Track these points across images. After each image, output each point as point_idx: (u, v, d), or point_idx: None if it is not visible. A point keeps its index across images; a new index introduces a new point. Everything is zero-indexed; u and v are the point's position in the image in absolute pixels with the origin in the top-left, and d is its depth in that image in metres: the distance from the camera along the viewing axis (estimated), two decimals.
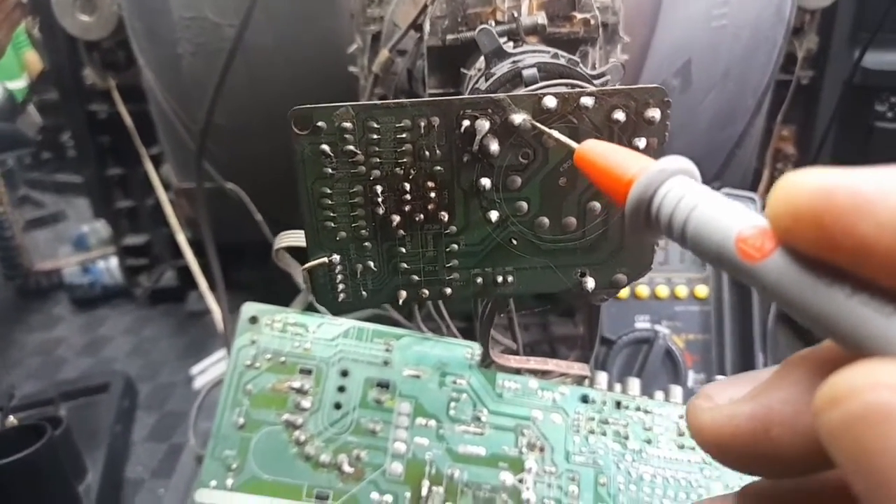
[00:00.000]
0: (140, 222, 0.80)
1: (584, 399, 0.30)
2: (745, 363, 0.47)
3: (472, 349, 0.30)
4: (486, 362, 0.30)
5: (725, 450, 0.12)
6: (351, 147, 0.19)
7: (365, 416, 0.29)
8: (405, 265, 0.21)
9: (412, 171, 0.20)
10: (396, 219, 0.20)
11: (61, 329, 0.81)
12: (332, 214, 0.20)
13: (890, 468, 0.08)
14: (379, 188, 0.20)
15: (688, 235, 0.13)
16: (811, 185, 0.10)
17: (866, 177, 0.10)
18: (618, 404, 0.30)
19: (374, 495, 0.28)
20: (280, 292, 0.40)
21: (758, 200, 0.49)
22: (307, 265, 0.21)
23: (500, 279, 0.22)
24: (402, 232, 0.21)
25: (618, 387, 0.31)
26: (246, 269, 0.62)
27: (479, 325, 0.27)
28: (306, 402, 0.30)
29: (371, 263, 0.21)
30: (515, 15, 0.27)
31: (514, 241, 0.21)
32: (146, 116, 0.66)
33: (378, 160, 0.20)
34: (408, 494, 0.28)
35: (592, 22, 0.28)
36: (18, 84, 1.27)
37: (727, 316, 0.48)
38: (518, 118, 0.19)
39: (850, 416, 0.09)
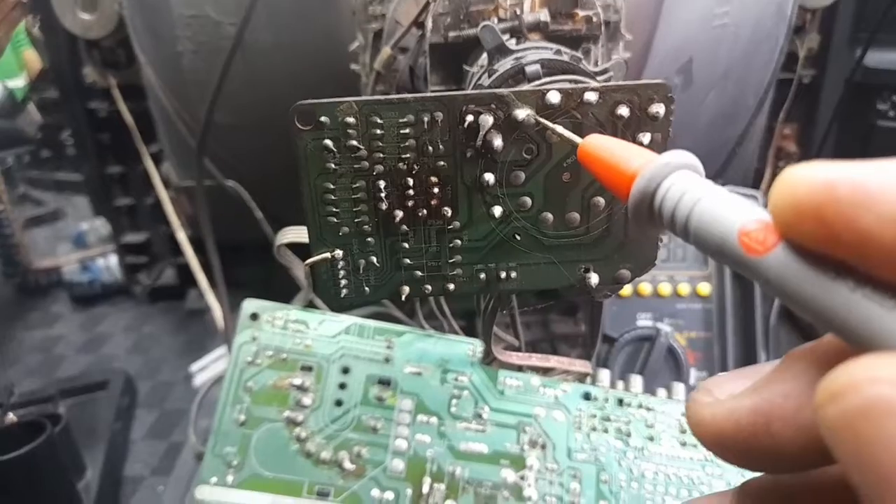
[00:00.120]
0: (140, 220, 0.80)
1: (586, 396, 0.30)
2: (748, 361, 0.47)
3: (474, 346, 0.30)
4: (488, 359, 0.30)
5: (726, 445, 0.12)
6: (354, 142, 0.19)
7: (366, 413, 0.29)
8: (408, 261, 0.21)
9: (415, 167, 0.20)
10: (399, 214, 0.20)
11: (61, 327, 0.81)
12: (334, 210, 0.20)
13: (890, 463, 0.08)
14: (382, 183, 0.20)
15: (691, 230, 0.13)
16: (813, 179, 0.10)
17: (868, 170, 0.10)
18: (620, 402, 0.30)
19: (375, 492, 0.28)
20: (280, 290, 0.40)
21: (760, 198, 0.49)
22: (310, 261, 0.21)
23: (503, 275, 0.22)
24: (405, 227, 0.21)
25: (620, 384, 0.31)
26: (246, 266, 0.61)
27: (481, 321, 0.27)
28: (307, 399, 0.29)
29: (374, 259, 0.21)
30: (518, 12, 0.27)
31: (518, 237, 0.21)
32: (146, 114, 0.66)
33: (381, 155, 0.20)
34: (409, 491, 0.28)
35: (595, 19, 0.28)
36: (17, 83, 1.27)
37: (729, 313, 0.48)
38: (522, 113, 0.19)
39: (850, 410, 0.09)
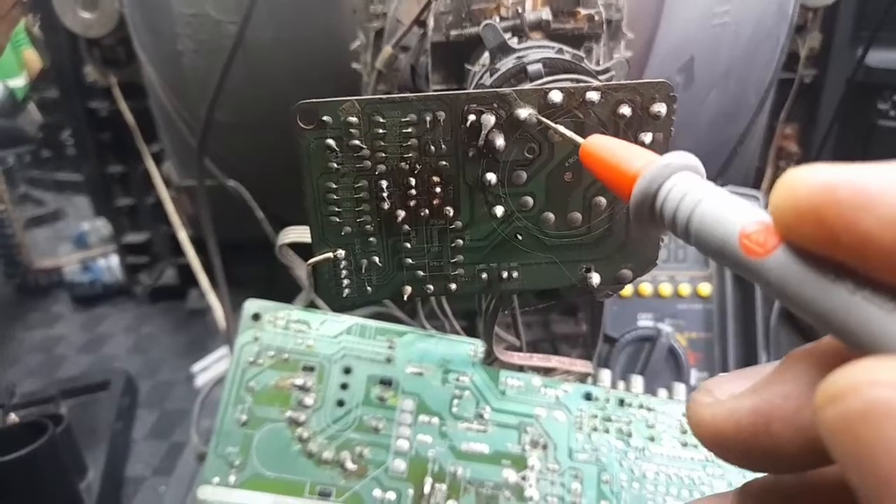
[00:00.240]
0: (140, 220, 0.80)
1: (588, 397, 0.30)
2: (748, 361, 0.47)
3: (476, 346, 0.30)
4: (489, 359, 0.30)
5: (725, 445, 0.12)
6: (356, 141, 0.19)
7: (368, 413, 0.29)
8: (410, 260, 0.21)
9: (417, 166, 0.20)
10: (401, 214, 0.20)
11: (62, 327, 0.81)
12: (336, 209, 0.20)
13: (890, 465, 0.08)
14: (384, 183, 0.20)
15: (692, 231, 0.13)
16: (813, 181, 0.10)
17: (869, 172, 0.10)
18: (621, 402, 0.30)
19: (377, 492, 0.28)
20: (282, 290, 0.40)
21: (761, 198, 0.49)
22: (312, 260, 0.21)
23: (505, 274, 0.22)
24: (407, 227, 0.21)
25: (621, 384, 0.31)
26: (247, 266, 0.61)
27: (482, 321, 0.27)
28: (309, 400, 0.29)
29: (376, 258, 0.21)
30: (520, 11, 0.27)
31: (520, 237, 0.21)
32: (147, 114, 0.66)
33: (383, 155, 0.20)
34: (410, 492, 0.28)
35: (596, 18, 0.28)
36: (18, 82, 1.27)
37: (730, 314, 0.48)
38: (524, 113, 0.19)
39: (849, 413, 0.09)
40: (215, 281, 0.53)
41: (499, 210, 0.20)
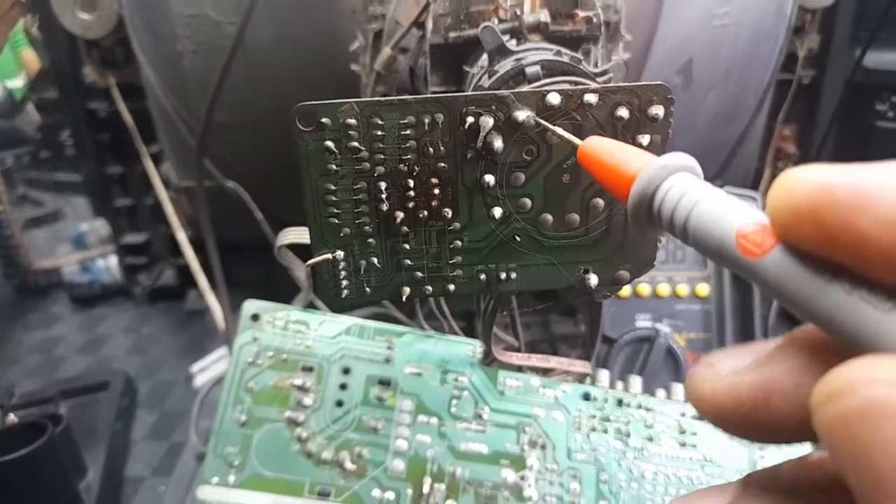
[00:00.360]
0: (139, 221, 0.80)
1: (586, 397, 0.30)
2: None
3: (474, 347, 0.31)
4: (487, 360, 0.30)
5: (726, 418, 0.12)
6: (355, 143, 0.19)
7: (367, 413, 0.29)
8: (409, 262, 0.21)
9: (416, 168, 0.20)
10: (400, 215, 0.20)
11: (61, 327, 0.81)
12: (335, 211, 0.20)
13: (886, 464, 0.08)
14: (383, 184, 0.20)
15: (689, 231, 0.13)
16: (811, 182, 0.10)
17: (866, 172, 0.10)
18: (619, 402, 0.30)
19: (376, 492, 0.28)
20: (280, 291, 0.40)
21: (759, 199, 0.49)
22: (311, 261, 0.21)
23: (503, 276, 0.22)
24: (405, 228, 0.21)
25: (619, 385, 0.31)
26: (246, 267, 0.62)
27: (481, 322, 0.27)
28: (308, 400, 0.30)
29: (375, 260, 0.21)
30: (518, 13, 0.27)
31: (518, 238, 0.21)
32: (146, 114, 0.66)
33: (382, 156, 0.20)
34: (409, 492, 0.28)
35: (595, 20, 0.28)
36: (16, 83, 1.27)
37: (728, 315, 0.48)
38: (522, 115, 0.19)
39: (847, 411, 0.09)
40: (214, 282, 0.54)
41: (497, 211, 0.20)
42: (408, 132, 0.19)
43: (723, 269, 0.49)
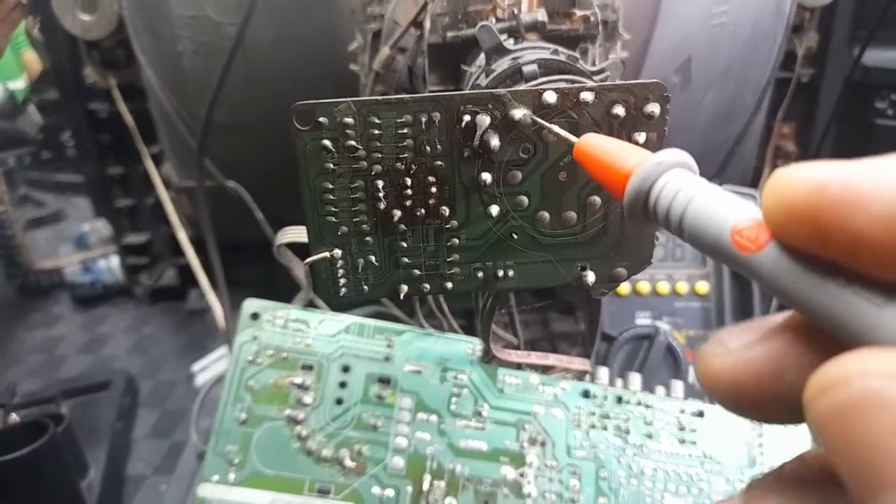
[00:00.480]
0: (140, 221, 0.80)
1: (585, 394, 0.30)
2: None
3: (474, 344, 0.31)
4: (487, 357, 0.30)
5: (740, 395, 0.12)
6: (352, 142, 0.20)
7: (366, 411, 0.30)
8: (406, 259, 0.22)
9: (413, 166, 0.20)
10: (397, 213, 0.21)
11: (62, 327, 0.81)
12: (333, 209, 0.21)
13: (878, 456, 0.08)
14: (380, 183, 0.20)
15: (685, 227, 0.13)
16: (804, 181, 0.10)
17: (860, 169, 0.10)
18: (619, 399, 0.30)
19: (376, 490, 0.28)
20: (280, 289, 0.41)
21: (758, 198, 0.49)
22: (309, 260, 0.21)
23: (500, 273, 0.22)
24: (403, 227, 0.21)
25: (619, 382, 0.31)
26: (246, 266, 0.62)
27: (479, 320, 0.28)
28: (308, 398, 0.30)
29: (372, 258, 0.21)
30: (515, 12, 0.27)
31: (515, 236, 0.21)
32: (146, 115, 0.66)
33: (379, 155, 0.20)
34: (409, 489, 0.28)
35: (592, 19, 0.28)
36: (18, 84, 1.27)
37: (728, 312, 0.48)
38: (518, 113, 0.19)
39: (840, 403, 0.09)
40: (215, 281, 0.54)
41: (494, 209, 0.21)
42: (405, 131, 0.20)
43: (722, 267, 0.49)
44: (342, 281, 0.22)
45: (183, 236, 0.67)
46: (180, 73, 0.56)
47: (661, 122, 0.19)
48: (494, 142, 0.19)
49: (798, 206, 0.10)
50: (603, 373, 0.32)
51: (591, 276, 0.22)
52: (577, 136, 0.18)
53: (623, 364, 0.46)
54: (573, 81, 0.22)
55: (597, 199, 0.21)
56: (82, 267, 0.86)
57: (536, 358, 0.30)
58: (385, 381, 0.30)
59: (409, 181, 0.20)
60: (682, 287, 0.48)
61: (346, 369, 0.30)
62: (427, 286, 0.22)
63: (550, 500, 0.28)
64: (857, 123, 0.64)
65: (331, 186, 0.20)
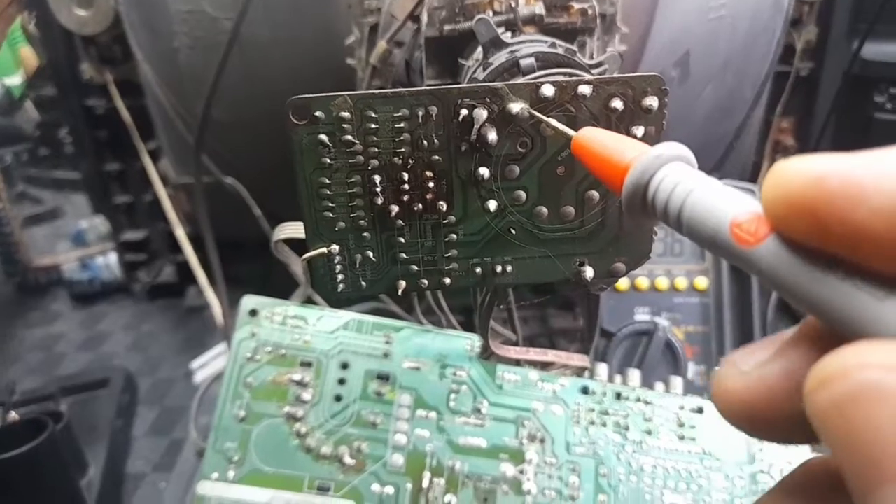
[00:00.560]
0: (138, 218, 0.80)
1: (585, 390, 0.30)
2: None
3: (472, 341, 0.31)
4: (486, 354, 0.30)
5: (757, 415, 0.11)
6: (349, 137, 0.19)
7: (365, 408, 0.29)
8: (404, 255, 0.21)
9: (410, 161, 0.20)
10: (395, 209, 0.20)
11: (61, 325, 0.81)
12: (330, 205, 0.20)
13: (877, 447, 0.08)
14: (377, 178, 0.20)
15: (683, 221, 0.13)
16: (804, 174, 0.10)
17: (860, 162, 0.10)
18: (618, 395, 0.30)
19: (376, 487, 0.28)
20: (279, 286, 0.40)
21: (757, 192, 0.49)
22: (306, 255, 0.21)
23: (498, 269, 0.22)
24: (400, 222, 0.21)
25: (618, 378, 0.31)
26: (244, 263, 0.62)
27: (478, 316, 0.27)
28: (307, 395, 0.30)
29: (370, 253, 0.21)
30: (513, 5, 0.27)
31: (513, 231, 0.21)
32: (144, 111, 0.65)
33: (376, 150, 0.20)
34: (409, 486, 0.28)
35: (590, 12, 0.28)
36: (14, 80, 1.27)
37: (727, 307, 0.48)
38: (516, 107, 0.19)
39: (839, 395, 0.09)
40: (213, 278, 0.54)
41: (492, 204, 0.20)
42: (402, 125, 0.19)
43: (721, 262, 0.49)
44: (340, 277, 0.22)
45: (181, 233, 0.67)
46: (177, 68, 0.55)
47: (659, 116, 0.19)
48: (492, 136, 0.19)
49: (798, 198, 0.10)
50: (602, 369, 0.31)
51: (589, 272, 0.21)
52: (575, 129, 0.18)
53: (622, 360, 0.46)
54: (571, 75, 0.21)
55: (595, 194, 0.20)
56: (80, 264, 0.86)
57: (535, 354, 0.30)
58: (384, 377, 0.30)
59: (406, 176, 0.20)
60: (681, 283, 0.48)
61: (344, 366, 0.30)
62: (425, 282, 0.22)
63: (550, 496, 0.28)
64: (856, 117, 0.64)
65: (327, 181, 0.20)
